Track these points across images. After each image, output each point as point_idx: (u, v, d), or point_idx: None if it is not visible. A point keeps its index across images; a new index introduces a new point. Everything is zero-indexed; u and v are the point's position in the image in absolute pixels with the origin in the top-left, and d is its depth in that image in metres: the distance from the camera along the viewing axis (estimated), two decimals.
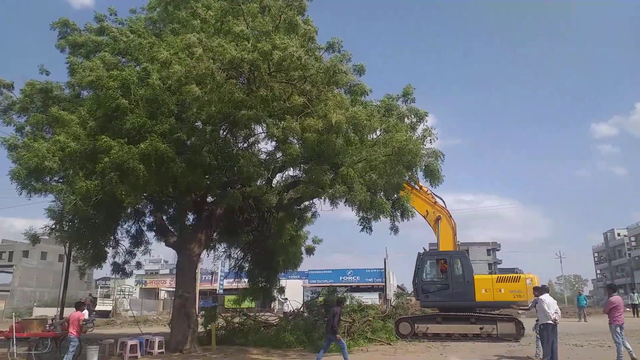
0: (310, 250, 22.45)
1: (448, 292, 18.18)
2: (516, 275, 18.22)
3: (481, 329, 17.60)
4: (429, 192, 17.77)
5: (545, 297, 12.07)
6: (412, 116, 15.26)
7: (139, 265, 23.13)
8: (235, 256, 21.97)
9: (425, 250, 19.64)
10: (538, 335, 12.46)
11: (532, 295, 17.24)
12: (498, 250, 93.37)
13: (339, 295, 14.40)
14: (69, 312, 27.56)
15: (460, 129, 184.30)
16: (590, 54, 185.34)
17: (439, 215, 19.36)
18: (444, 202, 19.81)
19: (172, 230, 18.29)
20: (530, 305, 13.77)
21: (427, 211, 18.90)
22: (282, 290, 23.39)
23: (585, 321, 27.19)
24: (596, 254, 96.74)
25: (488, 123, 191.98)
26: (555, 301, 12.42)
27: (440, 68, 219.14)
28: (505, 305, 18.50)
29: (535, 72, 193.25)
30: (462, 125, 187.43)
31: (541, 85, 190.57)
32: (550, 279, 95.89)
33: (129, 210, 17.42)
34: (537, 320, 12.52)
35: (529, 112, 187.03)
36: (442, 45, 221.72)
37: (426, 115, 15.45)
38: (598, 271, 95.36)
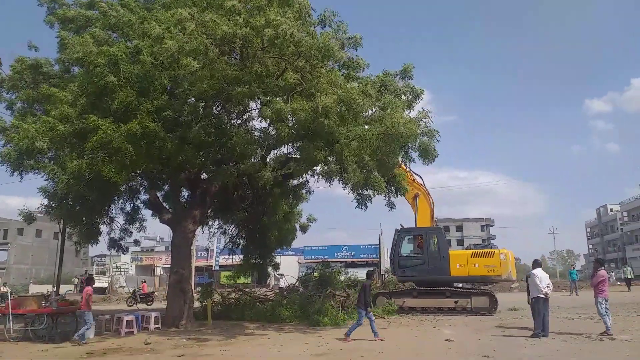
0: (304, 228, 22.58)
1: (424, 267, 18.63)
2: (490, 250, 18.83)
3: (456, 302, 18.09)
4: (407, 169, 17.87)
5: (538, 272, 12.25)
6: (409, 93, 15.18)
7: (137, 242, 23.22)
8: (230, 233, 22.10)
9: (402, 226, 19.91)
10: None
11: (507, 270, 17.75)
12: (492, 226, 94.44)
13: (369, 269, 14.71)
14: (64, 289, 27.98)
15: (456, 105, 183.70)
16: (585, 30, 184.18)
17: (417, 193, 19.71)
18: (422, 179, 20.29)
19: (167, 207, 18.27)
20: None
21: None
22: (276, 266, 23.58)
23: (576, 295, 27.67)
24: (589, 229, 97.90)
25: (483, 99, 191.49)
26: (548, 275, 12.60)
27: (436, 43, 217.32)
28: (480, 280, 18.96)
29: (530, 48, 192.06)
30: (457, 101, 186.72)
31: (536, 62, 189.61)
32: (543, 254, 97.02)
33: (122, 188, 17.36)
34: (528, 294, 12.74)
35: (523, 88, 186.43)
36: (439, 20, 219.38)
37: (422, 93, 15.38)
38: (590, 246, 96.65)
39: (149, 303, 26.95)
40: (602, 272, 12.42)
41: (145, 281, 33.24)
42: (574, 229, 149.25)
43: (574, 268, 33.88)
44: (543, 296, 11.95)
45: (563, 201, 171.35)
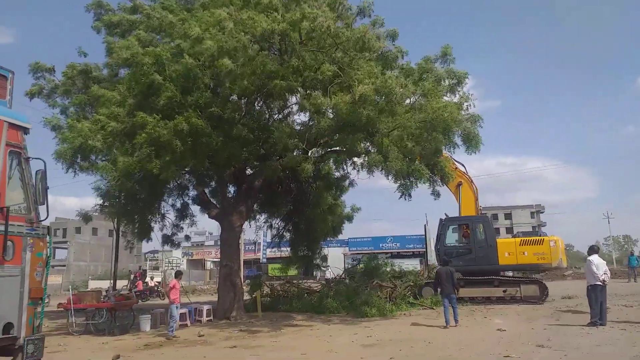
0: (349, 218, 22.57)
1: (471, 256, 18.26)
2: (539, 237, 18.31)
3: (504, 291, 17.69)
4: (449, 157, 17.51)
5: (594, 258, 11.78)
6: (451, 78, 14.83)
7: (187, 237, 23.85)
8: (277, 226, 22.35)
9: (446, 216, 19.59)
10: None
11: (557, 257, 17.15)
12: (542, 212, 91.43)
13: (446, 258, 14.80)
14: (121, 284, 29.11)
15: (500, 90, 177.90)
16: (630, 5, 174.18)
17: (460, 181, 19.26)
18: (464, 167, 19.79)
19: (214, 202, 18.70)
20: None
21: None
22: (324, 258, 23.70)
23: (635, 282, 26.44)
24: None
25: (529, 84, 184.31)
26: (605, 262, 12.11)
27: (479, 29, 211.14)
28: (529, 268, 18.46)
29: (574, 29, 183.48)
30: (501, 87, 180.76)
31: (582, 40, 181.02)
32: (597, 240, 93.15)
33: (171, 185, 17.88)
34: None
35: (570, 69, 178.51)
36: (482, 6, 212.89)
37: (466, 77, 14.85)
38: None
39: (145, 300, 26.87)
40: None
41: (139, 277, 30.94)
42: (631, 213, 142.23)
43: (632, 254, 32.29)
44: (600, 283, 11.49)
45: (617, 184, 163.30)
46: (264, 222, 22.75)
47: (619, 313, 13.34)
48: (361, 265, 21.69)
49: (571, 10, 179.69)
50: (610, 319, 11.86)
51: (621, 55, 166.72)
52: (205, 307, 15.91)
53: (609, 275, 11.97)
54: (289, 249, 22.33)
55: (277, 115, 16.54)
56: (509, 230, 78.97)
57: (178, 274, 14.10)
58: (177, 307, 12.66)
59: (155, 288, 29.33)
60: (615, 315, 12.75)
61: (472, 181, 19.83)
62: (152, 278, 33.51)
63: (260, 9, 12.75)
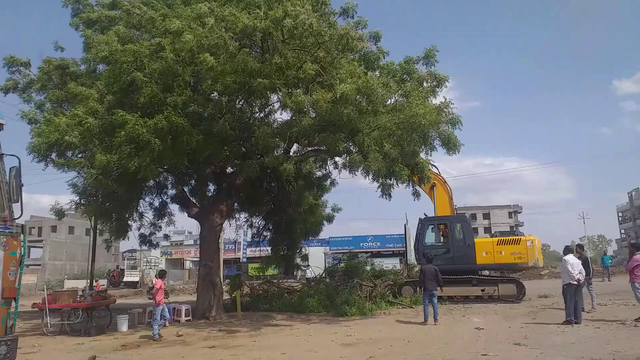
0: (330, 218, 22.61)
1: (449, 255, 18.47)
2: (516, 237, 18.63)
3: (482, 290, 17.95)
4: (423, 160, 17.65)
5: (569, 258, 12.01)
6: (432, 80, 14.92)
7: (166, 237, 23.52)
8: (257, 225, 22.26)
9: (426, 215, 19.78)
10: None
11: (533, 256, 17.50)
12: (520, 212, 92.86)
13: (430, 256, 14.94)
14: (100, 283, 28.57)
15: (480, 91, 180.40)
16: (613, 8, 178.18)
17: (434, 182, 19.44)
18: (437, 168, 19.96)
19: (194, 201, 18.52)
20: None
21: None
22: (305, 257, 23.68)
23: (609, 281, 27.03)
24: (620, 214, 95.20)
25: (507, 85, 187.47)
26: (580, 261, 12.34)
27: (458, 29, 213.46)
28: (506, 267, 18.76)
29: (555, 30, 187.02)
30: (481, 88, 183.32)
31: (559, 43, 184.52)
32: (573, 240, 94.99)
33: (150, 184, 17.65)
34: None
35: (548, 71, 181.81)
36: (461, 5, 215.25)
37: (447, 80, 14.95)
38: (622, 231, 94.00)
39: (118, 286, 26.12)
40: (638, 256, 12.09)
41: (117, 277, 29.98)
42: (605, 214, 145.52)
43: (606, 253, 33.06)
44: (575, 282, 11.73)
45: (593, 186, 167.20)
46: (245, 221, 22.66)
47: (593, 312, 13.62)
48: (342, 264, 21.74)
49: (550, 15, 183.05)
50: (585, 317, 12.11)
51: (599, 59, 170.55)
52: (184, 307, 15.75)
53: (584, 274, 12.23)
54: (269, 248, 22.27)
55: (258, 114, 16.44)
56: (488, 229, 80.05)
57: (162, 274, 13.72)
58: (162, 309, 12.44)
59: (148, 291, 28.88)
60: (590, 314, 13.02)
61: (445, 182, 20.17)
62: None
63: (242, 5, 12.66)
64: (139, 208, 18.87)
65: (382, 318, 14.66)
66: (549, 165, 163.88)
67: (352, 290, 17.21)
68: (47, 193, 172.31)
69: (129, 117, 12.08)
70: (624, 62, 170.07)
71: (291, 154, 15.69)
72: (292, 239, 21.20)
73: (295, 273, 34.30)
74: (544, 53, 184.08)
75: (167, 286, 28.29)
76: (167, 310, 12.87)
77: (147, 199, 19.28)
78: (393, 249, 51.64)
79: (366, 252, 45.84)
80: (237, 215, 22.09)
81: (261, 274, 25.53)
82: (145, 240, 20.17)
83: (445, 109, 13.57)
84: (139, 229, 19.67)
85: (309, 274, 24.08)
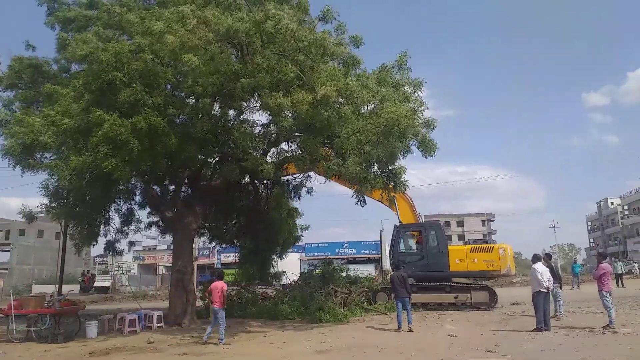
0: (297, 239, 22.90)
1: (423, 262, 18.63)
2: (489, 245, 18.89)
3: (456, 297, 18.10)
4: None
5: (538, 266, 12.22)
6: (408, 86, 15.08)
7: (131, 244, 22.78)
8: (232, 230, 21.99)
9: (401, 222, 19.90)
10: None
11: (505, 264, 17.78)
12: (493, 220, 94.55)
13: (398, 263, 14.99)
14: (67, 289, 27.89)
15: (453, 100, 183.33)
16: (581, 23, 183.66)
17: (393, 195, 19.53)
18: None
19: (168, 204, 18.16)
20: None
21: (381, 195, 17.73)
22: (276, 275, 23.56)
23: (578, 288, 27.64)
24: (589, 223, 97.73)
25: (480, 95, 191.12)
26: (548, 269, 12.58)
27: (430, 42, 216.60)
28: (479, 275, 18.98)
29: (525, 45, 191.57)
30: (454, 97, 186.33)
31: (530, 57, 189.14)
32: (544, 248, 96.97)
33: (121, 187, 17.22)
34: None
35: (519, 83, 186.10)
36: (436, 18, 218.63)
37: (421, 85, 15.17)
38: (591, 240, 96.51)
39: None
40: (605, 265, 12.41)
41: (87, 282, 28.52)
42: (575, 223, 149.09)
43: (576, 262, 33.84)
44: (544, 290, 11.94)
45: (564, 195, 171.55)
46: (220, 226, 22.31)
47: (563, 319, 13.88)
48: (318, 270, 21.67)
49: (520, 27, 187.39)
50: (554, 324, 12.33)
51: (568, 72, 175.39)
52: (156, 313, 15.42)
53: (553, 282, 12.47)
54: (240, 255, 22.09)
55: (236, 118, 16.32)
56: (461, 237, 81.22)
57: (221, 275, 13.38)
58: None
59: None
60: (560, 321, 13.27)
61: (404, 192, 20.11)
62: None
63: (223, 6, 12.61)
64: (108, 214, 18.31)
65: (357, 325, 14.65)
66: (520, 175, 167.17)
67: (327, 297, 17.16)
68: (14, 196, 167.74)
69: (106, 117, 11.83)
70: (592, 75, 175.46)
71: (271, 155, 15.65)
72: (267, 245, 21.03)
73: (270, 279, 34.07)
74: (516, 66, 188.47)
75: (136, 292, 27.75)
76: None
77: (114, 205, 18.64)
78: (369, 255, 51.87)
79: (342, 259, 45.87)
80: (211, 220, 21.80)
81: (235, 280, 25.14)
82: (110, 247, 19.62)
83: (420, 108, 13.76)
84: (104, 236, 18.83)
85: (285, 280, 23.92)
